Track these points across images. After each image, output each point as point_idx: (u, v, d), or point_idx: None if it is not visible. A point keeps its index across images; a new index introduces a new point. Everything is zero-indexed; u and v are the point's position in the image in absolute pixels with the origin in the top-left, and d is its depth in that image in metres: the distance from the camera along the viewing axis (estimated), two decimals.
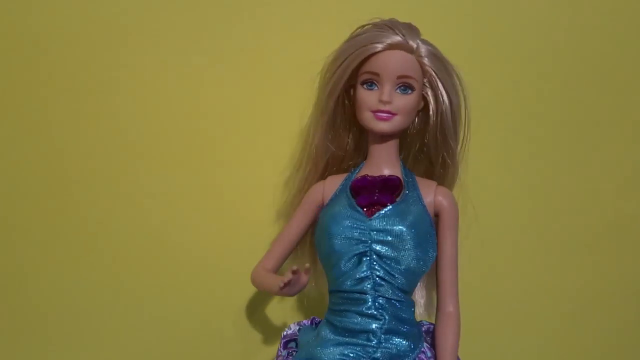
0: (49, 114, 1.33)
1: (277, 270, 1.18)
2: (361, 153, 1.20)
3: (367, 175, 1.12)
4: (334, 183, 1.15)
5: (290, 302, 1.37)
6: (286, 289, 1.04)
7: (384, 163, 1.13)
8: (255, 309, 1.38)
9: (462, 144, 1.16)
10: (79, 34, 1.31)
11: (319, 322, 1.18)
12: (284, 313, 1.38)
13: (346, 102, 1.15)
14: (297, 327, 1.18)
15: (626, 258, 1.38)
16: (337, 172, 1.19)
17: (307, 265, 1.02)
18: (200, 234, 1.35)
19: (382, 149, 1.13)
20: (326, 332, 1.08)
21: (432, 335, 1.12)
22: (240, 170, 1.34)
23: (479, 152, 1.26)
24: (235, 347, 1.38)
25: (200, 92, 1.33)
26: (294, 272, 1.01)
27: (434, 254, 1.10)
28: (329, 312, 1.11)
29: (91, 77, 1.32)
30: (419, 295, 1.23)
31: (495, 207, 1.36)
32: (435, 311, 1.13)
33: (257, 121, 1.34)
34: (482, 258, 1.35)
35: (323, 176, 1.18)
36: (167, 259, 1.36)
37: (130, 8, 1.31)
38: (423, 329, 1.13)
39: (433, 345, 1.11)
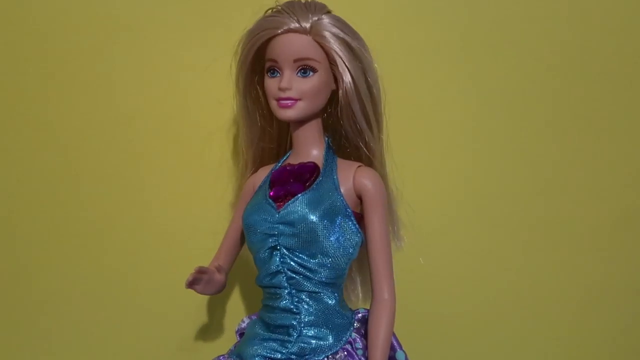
0: (50, 111, 1.36)
1: (230, 264, 1.20)
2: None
3: (289, 164, 1.10)
4: (262, 174, 1.14)
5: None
6: (199, 288, 1.05)
7: (306, 148, 1.10)
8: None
9: (377, 126, 1.09)
10: (80, 33, 1.34)
11: None
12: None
13: (260, 93, 1.12)
14: (248, 321, 1.18)
15: (630, 254, 1.34)
16: (273, 162, 1.17)
17: (217, 264, 1.02)
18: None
19: (300, 135, 1.09)
20: (254, 327, 1.09)
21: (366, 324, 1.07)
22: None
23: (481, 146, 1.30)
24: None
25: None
26: (200, 272, 1.02)
27: (358, 240, 1.05)
28: (261, 306, 1.11)
29: (93, 76, 1.35)
30: (357, 283, 1.18)
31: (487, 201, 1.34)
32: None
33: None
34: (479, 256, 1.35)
35: (255, 169, 1.17)
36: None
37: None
38: (358, 317, 1.09)
39: (365, 335, 1.06)
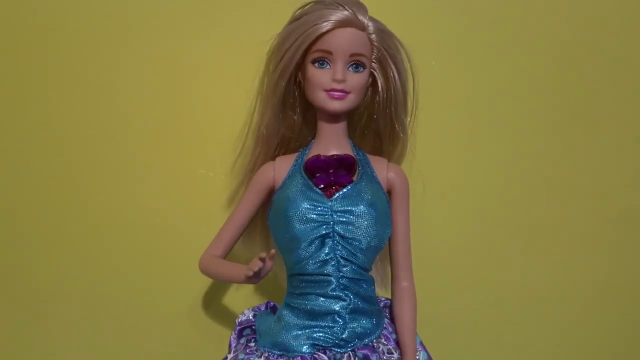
0: (50, 111, 1.32)
1: (226, 256, 1.15)
2: (308, 133, 1.18)
3: (320, 154, 1.11)
4: (285, 164, 1.13)
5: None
6: (254, 277, 1.01)
7: (334, 142, 1.12)
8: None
9: (411, 119, 1.17)
10: (80, 32, 1.31)
11: (274, 306, 1.16)
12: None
13: (295, 82, 1.12)
14: (252, 313, 1.15)
15: (631, 252, 1.39)
16: (285, 153, 1.16)
17: (273, 251, 0.99)
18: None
19: (332, 128, 1.11)
20: (289, 317, 1.07)
21: (389, 310, 1.14)
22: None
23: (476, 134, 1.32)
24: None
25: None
26: (262, 260, 0.98)
27: (390, 230, 1.11)
28: (289, 295, 1.09)
29: (92, 74, 1.32)
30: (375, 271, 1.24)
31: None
32: (390, 286, 1.15)
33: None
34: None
35: (273, 158, 1.15)
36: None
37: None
38: (381, 305, 1.15)
39: (392, 320, 1.12)
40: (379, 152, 1.18)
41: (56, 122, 1.32)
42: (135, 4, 1.30)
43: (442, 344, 1.32)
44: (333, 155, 1.10)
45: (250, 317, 1.15)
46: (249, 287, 1.35)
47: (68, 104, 1.31)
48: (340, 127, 1.12)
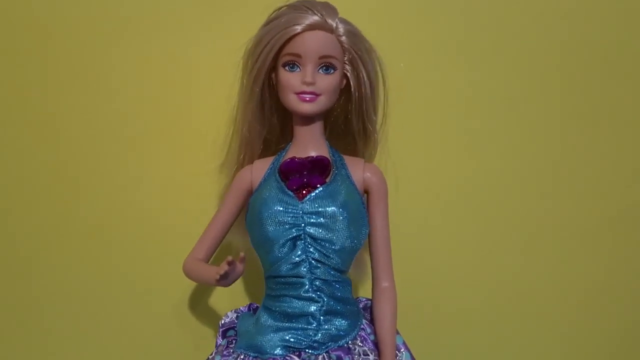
0: (49, 110, 1.33)
1: (210, 258, 1.17)
2: (286, 136, 1.19)
3: (295, 157, 1.11)
4: (262, 167, 1.14)
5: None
6: (222, 281, 1.02)
7: (310, 144, 1.12)
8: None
9: (382, 118, 1.17)
10: (79, 31, 1.32)
11: (257, 307, 1.17)
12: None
13: (271, 85, 1.13)
14: (235, 315, 1.17)
15: (630, 251, 1.38)
16: (266, 155, 1.18)
17: (242, 254, 1.00)
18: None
19: (307, 129, 1.12)
20: (265, 319, 1.08)
21: (370, 311, 1.14)
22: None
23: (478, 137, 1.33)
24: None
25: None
26: (230, 263, 0.99)
27: (366, 230, 1.11)
28: (266, 297, 1.10)
29: (90, 74, 1.33)
30: (353, 273, 1.24)
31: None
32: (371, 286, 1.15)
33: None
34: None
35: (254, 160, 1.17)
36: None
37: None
38: (361, 305, 1.14)
39: (371, 321, 1.12)
40: (354, 152, 1.18)
41: (54, 122, 1.33)
42: (131, 5, 1.31)
43: (441, 344, 1.36)
44: (308, 157, 1.11)
45: (234, 319, 1.16)
46: (240, 289, 1.37)
47: (65, 103, 1.33)
48: (315, 128, 1.12)
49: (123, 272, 1.36)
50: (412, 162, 1.33)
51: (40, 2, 1.31)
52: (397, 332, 1.13)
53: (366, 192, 1.13)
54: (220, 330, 1.16)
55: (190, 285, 1.36)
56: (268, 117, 1.15)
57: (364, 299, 1.16)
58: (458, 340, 1.38)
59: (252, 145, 1.16)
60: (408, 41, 1.33)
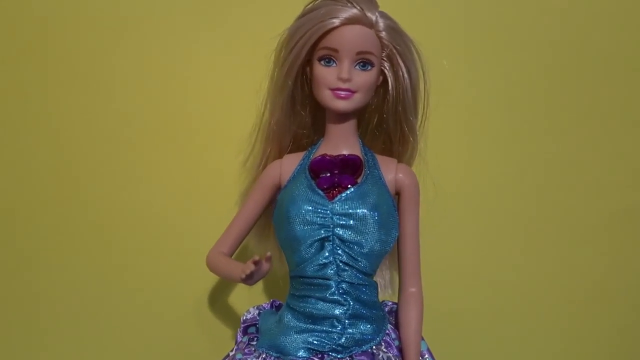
0: (50, 109, 1.33)
1: (233, 252, 1.15)
2: (318, 130, 1.15)
3: (326, 154, 1.08)
4: (291, 163, 1.11)
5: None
6: (247, 280, 1.00)
7: (342, 141, 1.09)
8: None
9: (421, 120, 1.13)
10: (80, 31, 1.31)
11: (279, 305, 1.15)
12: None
13: (304, 78, 1.10)
14: (257, 311, 1.15)
15: (630, 250, 1.38)
16: (296, 150, 1.15)
17: (269, 253, 0.98)
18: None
19: (340, 127, 1.09)
20: (289, 319, 1.06)
21: (395, 315, 1.11)
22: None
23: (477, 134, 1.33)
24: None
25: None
26: (256, 263, 0.97)
27: (397, 233, 1.08)
28: (290, 297, 1.08)
29: (94, 74, 1.32)
30: (380, 276, 1.21)
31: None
32: (397, 291, 1.12)
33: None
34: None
35: (282, 155, 1.14)
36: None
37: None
38: (386, 309, 1.12)
39: (396, 325, 1.09)
40: (389, 152, 1.15)
41: (56, 121, 1.33)
42: (136, 3, 1.31)
43: (443, 343, 1.30)
44: (339, 156, 1.08)
45: (256, 315, 1.15)
46: (256, 286, 1.34)
47: (68, 103, 1.33)
48: (349, 126, 1.09)
49: (137, 270, 1.36)
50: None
51: (40, 2, 1.31)
52: (422, 338, 1.11)
53: (397, 193, 1.10)
54: (242, 326, 1.14)
55: (206, 283, 1.35)
56: (298, 112, 1.12)
57: (390, 303, 1.14)
58: (457, 340, 1.38)
59: (280, 140, 1.13)
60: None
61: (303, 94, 1.11)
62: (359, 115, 1.11)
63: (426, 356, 1.09)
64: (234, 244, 1.14)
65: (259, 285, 1.36)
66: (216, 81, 1.31)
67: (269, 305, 1.15)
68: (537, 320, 1.38)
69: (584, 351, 1.39)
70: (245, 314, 1.15)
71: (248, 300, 1.34)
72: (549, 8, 1.32)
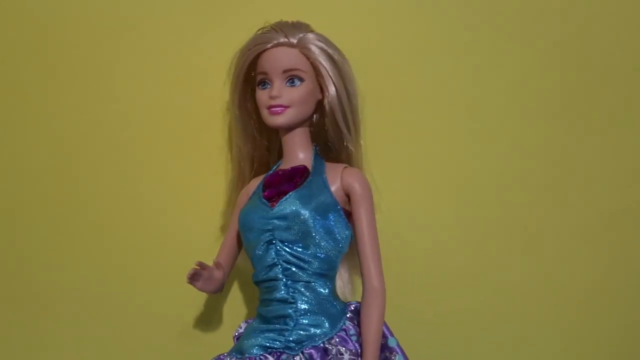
0: (49, 109, 1.38)
1: (229, 265, 1.24)
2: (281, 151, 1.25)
3: (280, 170, 1.18)
4: (254, 183, 1.22)
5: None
6: (199, 284, 1.11)
7: (295, 154, 1.18)
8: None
9: (354, 130, 1.19)
10: (80, 30, 1.36)
11: None
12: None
13: (255, 105, 1.21)
14: (245, 325, 1.23)
15: (630, 248, 1.36)
16: (265, 172, 1.25)
17: (216, 260, 1.08)
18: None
19: (290, 141, 1.18)
20: (254, 323, 1.14)
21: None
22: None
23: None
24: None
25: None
26: (202, 266, 1.08)
27: (348, 233, 1.12)
28: (258, 303, 1.16)
29: (92, 74, 1.37)
30: (339, 277, 1.24)
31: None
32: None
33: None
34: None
35: (250, 178, 1.25)
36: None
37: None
38: (351, 308, 1.14)
39: (360, 323, 1.11)
40: (338, 160, 1.21)
41: (55, 121, 1.37)
42: (136, 4, 1.35)
43: (440, 344, 1.33)
44: (289, 168, 1.17)
45: (242, 330, 1.23)
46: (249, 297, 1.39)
47: (67, 102, 1.36)
48: (296, 139, 1.18)
49: (134, 271, 1.38)
50: (411, 162, 1.33)
51: (40, 2, 1.35)
52: (391, 334, 1.12)
53: (347, 196, 1.15)
54: (235, 340, 1.22)
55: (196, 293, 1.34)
56: (253, 138, 1.23)
57: (355, 303, 1.16)
58: (457, 341, 1.36)
59: (240, 162, 1.24)
60: (405, 39, 1.34)
61: (256, 120, 1.22)
62: (310, 128, 1.19)
63: (396, 352, 1.09)
64: (227, 259, 1.24)
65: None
66: (216, 82, 1.31)
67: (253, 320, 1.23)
68: (537, 320, 1.36)
69: (584, 351, 1.36)
70: (238, 328, 1.23)
71: (246, 302, 1.39)
72: (550, 6, 1.33)
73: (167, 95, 1.36)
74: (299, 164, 1.17)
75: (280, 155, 1.25)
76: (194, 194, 1.37)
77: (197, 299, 1.36)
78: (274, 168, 1.21)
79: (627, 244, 1.35)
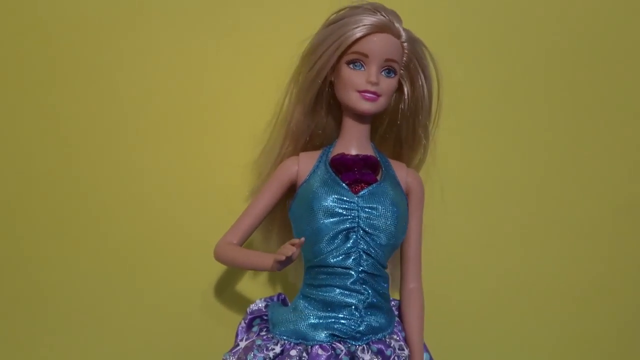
0: (50, 105, 1.33)
1: (243, 244, 1.16)
2: (331, 132, 1.21)
3: (349, 154, 1.14)
4: (309, 160, 1.16)
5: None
6: (279, 265, 1.03)
7: (358, 143, 1.15)
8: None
9: (433, 127, 1.22)
10: (82, 26, 1.32)
11: (284, 298, 1.18)
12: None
13: (327, 81, 1.15)
14: (264, 303, 1.16)
15: (630, 244, 1.42)
16: (310, 149, 1.19)
17: (303, 239, 1.02)
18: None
19: (357, 129, 1.15)
20: (305, 307, 1.09)
21: (398, 311, 1.17)
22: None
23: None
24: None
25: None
26: (294, 245, 1.00)
27: (406, 229, 1.15)
28: (307, 286, 1.11)
29: (94, 70, 1.33)
30: None
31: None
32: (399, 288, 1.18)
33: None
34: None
35: (298, 153, 1.18)
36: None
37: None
38: (392, 304, 1.18)
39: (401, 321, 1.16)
40: (398, 157, 1.22)
41: (56, 117, 1.33)
42: (136, 3, 1.32)
43: (445, 337, 1.36)
44: (358, 155, 1.14)
45: (262, 307, 1.16)
46: (257, 280, 1.37)
47: (68, 98, 1.32)
48: (365, 129, 1.16)
49: (138, 267, 1.36)
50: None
51: (41, 1, 1.31)
52: (426, 350, 1.17)
53: (406, 195, 1.17)
54: (248, 317, 1.15)
55: (210, 276, 1.36)
56: (318, 112, 1.18)
57: (393, 300, 1.19)
58: (458, 335, 1.41)
59: (297, 139, 1.18)
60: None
61: (323, 97, 1.17)
62: (373, 120, 1.18)
63: (423, 351, 1.16)
64: (244, 235, 1.15)
65: (263, 277, 1.37)
66: (223, 79, 1.33)
67: (275, 298, 1.17)
68: (539, 315, 1.41)
69: (584, 345, 1.43)
70: (252, 305, 1.17)
71: (252, 294, 1.36)
72: (549, 5, 1.37)
73: (174, 91, 1.33)
74: (365, 154, 1.15)
75: (328, 135, 1.21)
76: (199, 189, 1.34)
77: (201, 292, 1.37)
78: (331, 148, 1.17)
79: (628, 239, 1.40)
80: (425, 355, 1.15)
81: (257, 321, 1.16)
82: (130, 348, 1.37)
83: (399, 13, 1.13)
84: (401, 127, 1.20)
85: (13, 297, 1.35)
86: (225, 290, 1.37)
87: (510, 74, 1.38)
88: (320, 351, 1.04)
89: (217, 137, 1.34)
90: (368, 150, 1.16)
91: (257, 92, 1.31)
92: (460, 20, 1.37)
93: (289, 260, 1.00)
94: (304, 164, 1.15)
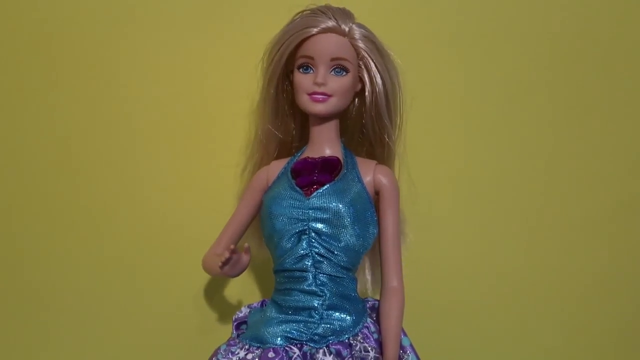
0: (49, 104, 1.36)
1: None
2: (305, 138, 1.22)
3: (308, 157, 1.15)
4: (277, 167, 1.18)
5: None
6: (226, 269, 1.06)
7: (324, 144, 1.15)
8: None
9: (398, 124, 1.18)
10: (83, 26, 1.35)
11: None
12: (240, 291, 1.41)
13: (287, 87, 1.18)
14: (248, 310, 1.20)
15: (630, 242, 1.40)
16: (287, 156, 1.21)
17: (246, 245, 1.04)
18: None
19: (321, 130, 1.15)
20: (271, 312, 1.11)
21: (377, 312, 1.14)
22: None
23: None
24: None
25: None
26: (232, 252, 1.03)
27: (375, 231, 1.12)
28: (274, 291, 1.14)
29: (94, 69, 1.36)
30: (367, 273, 1.25)
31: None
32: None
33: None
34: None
35: (270, 162, 1.21)
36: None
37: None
38: (368, 305, 1.15)
39: (378, 322, 1.12)
40: (371, 156, 1.20)
41: (55, 116, 1.36)
42: (142, 3, 1.35)
43: (441, 338, 1.36)
44: (320, 157, 1.14)
45: (247, 314, 1.20)
46: (248, 286, 1.40)
47: (67, 98, 1.35)
48: (330, 129, 1.15)
49: (133, 269, 1.39)
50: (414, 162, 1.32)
51: (42, 1, 1.34)
52: (404, 334, 1.13)
53: (377, 193, 1.14)
54: (234, 323, 1.20)
55: (203, 280, 1.39)
56: (284, 120, 1.20)
57: (372, 300, 1.17)
58: (457, 334, 1.39)
59: (267, 147, 1.20)
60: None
61: (287, 104, 1.19)
62: (342, 120, 1.18)
63: (408, 352, 1.11)
64: (226, 245, 1.19)
65: (254, 281, 1.40)
66: (218, 83, 1.35)
67: (259, 304, 1.20)
68: (538, 313, 1.39)
69: (585, 343, 1.40)
70: (237, 312, 1.21)
71: (243, 296, 1.39)
72: (548, 3, 1.35)
73: (168, 95, 1.35)
74: (330, 155, 1.15)
75: (303, 141, 1.22)
76: (193, 192, 1.37)
77: (194, 295, 1.39)
78: (299, 154, 1.18)
79: (628, 236, 1.38)
80: (412, 356, 1.11)
81: (243, 326, 1.19)
82: (130, 348, 1.40)
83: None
84: (367, 125, 1.18)
85: (11, 297, 1.38)
86: (226, 290, 1.40)
87: (510, 74, 1.36)
88: (271, 354, 1.05)
89: (216, 137, 1.35)
90: (334, 150, 1.15)
91: (257, 93, 1.30)
92: (460, 20, 1.35)
93: (226, 263, 1.03)
94: (272, 172, 1.18)
